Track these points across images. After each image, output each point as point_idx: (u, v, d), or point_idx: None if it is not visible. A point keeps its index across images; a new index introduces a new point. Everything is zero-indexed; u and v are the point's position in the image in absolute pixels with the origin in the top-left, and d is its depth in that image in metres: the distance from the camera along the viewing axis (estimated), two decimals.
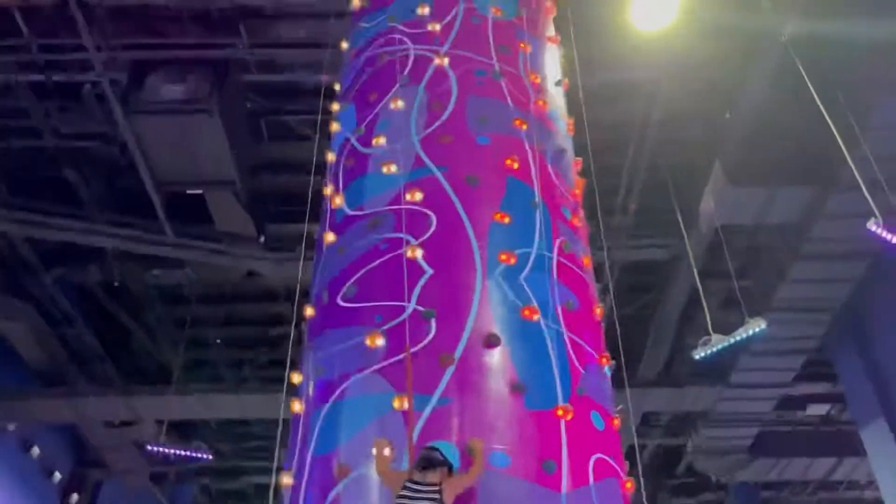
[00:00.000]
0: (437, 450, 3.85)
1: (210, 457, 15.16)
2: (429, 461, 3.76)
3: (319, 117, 7.30)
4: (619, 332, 6.54)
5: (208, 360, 17.52)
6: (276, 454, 5.10)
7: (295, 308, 5.80)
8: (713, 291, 14.98)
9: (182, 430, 18.54)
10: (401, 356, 4.39)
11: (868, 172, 9.56)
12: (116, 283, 15.80)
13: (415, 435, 4.10)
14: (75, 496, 18.62)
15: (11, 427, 15.88)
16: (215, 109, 11.83)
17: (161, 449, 13.96)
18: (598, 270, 12.49)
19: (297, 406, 4.89)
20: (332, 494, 4.12)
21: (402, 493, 3.69)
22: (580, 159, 6.47)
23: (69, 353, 16.21)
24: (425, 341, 4.48)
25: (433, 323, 4.56)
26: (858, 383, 13.65)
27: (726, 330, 12.82)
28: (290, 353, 5.66)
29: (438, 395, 4.28)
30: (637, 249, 13.68)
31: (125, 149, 12.71)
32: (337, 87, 6.98)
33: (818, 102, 9.03)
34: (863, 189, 8.60)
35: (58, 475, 17.94)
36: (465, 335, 4.51)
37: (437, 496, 3.64)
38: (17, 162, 13.52)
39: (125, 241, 13.72)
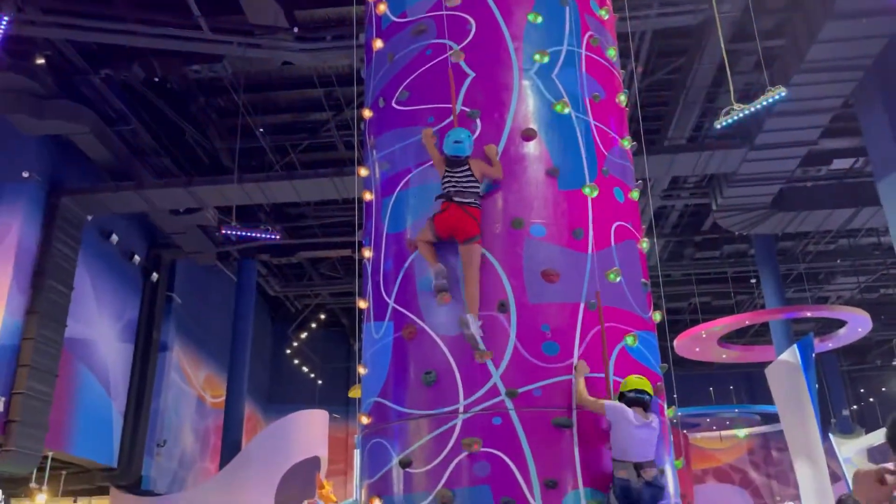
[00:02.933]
0: (460, 142, 5.08)
1: (277, 236, 16.68)
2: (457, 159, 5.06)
3: None
4: (638, 107, 7.13)
5: (254, 147, 18.55)
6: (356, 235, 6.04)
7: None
8: (747, 52, 15.04)
9: (240, 214, 20.19)
10: None
11: None
12: (157, 79, 16.43)
13: None
14: (155, 275, 20.90)
15: (89, 218, 17.50)
16: None
17: (234, 231, 15.44)
18: (627, 38, 12.72)
19: (369, 195, 5.82)
20: (406, 263, 5.20)
21: (444, 178, 5.04)
22: None
23: (130, 149, 17.34)
24: (474, 136, 5.26)
25: (478, 121, 5.30)
26: (880, 136, 14.08)
27: (758, 91, 13.12)
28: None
29: (487, 181, 5.15)
30: (668, 16, 13.58)
31: None
32: None
33: None
34: None
35: (137, 257, 20.03)
36: (506, 130, 5.27)
37: (468, 172, 4.98)
38: None
39: (163, 40, 14.07)
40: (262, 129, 18.11)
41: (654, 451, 4.49)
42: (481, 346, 4.71)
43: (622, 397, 4.55)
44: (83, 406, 17.65)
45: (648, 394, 4.56)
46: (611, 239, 5.23)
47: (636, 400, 4.51)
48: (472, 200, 4.95)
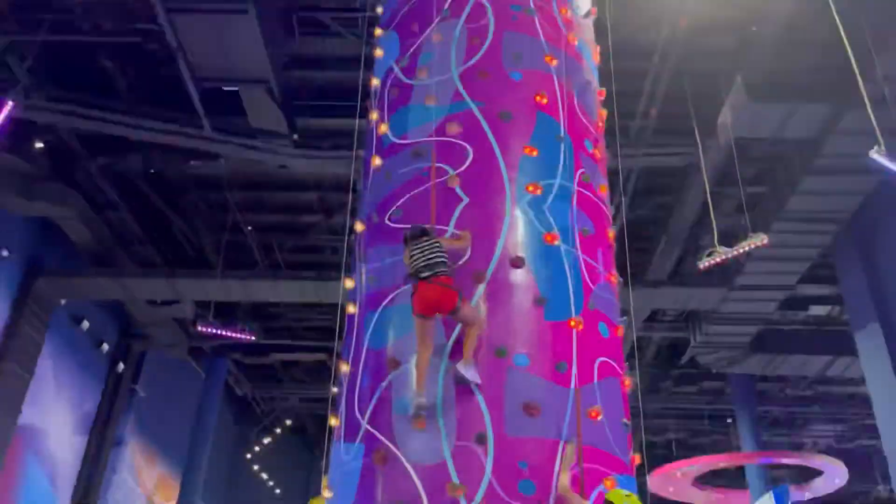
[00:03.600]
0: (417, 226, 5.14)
1: (253, 337, 16.41)
2: (415, 231, 5.11)
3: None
4: (626, 245, 7.23)
5: (241, 243, 18.57)
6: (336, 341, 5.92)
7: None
8: (730, 195, 15.55)
9: (218, 310, 19.94)
10: None
11: (882, 92, 9.92)
12: (152, 171, 16.63)
13: (452, 339, 4.99)
14: (121, 365, 20.31)
15: (63, 302, 17.17)
16: (252, 9, 12.18)
17: (211, 329, 15.20)
18: (616, 173, 13.15)
19: (352, 308, 5.74)
20: (384, 382, 5.06)
21: (411, 253, 5.02)
22: (604, 90, 6.97)
23: (114, 236, 17.28)
24: (462, 261, 5.27)
25: (469, 250, 5.32)
26: (857, 289, 14.39)
27: (739, 233, 13.49)
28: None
29: (472, 304, 5.11)
30: (655, 156, 14.12)
31: (163, 45, 13.15)
32: (379, 9, 7.40)
33: (838, 22, 9.23)
34: (868, 109, 8.97)
35: (105, 346, 19.51)
36: (496, 256, 5.29)
37: (430, 242, 5.01)
38: (56, 55, 14.00)
39: (165, 135, 14.36)
40: (250, 227, 18.20)
41: None
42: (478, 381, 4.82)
43: None
44: (25, 500, 16.60)
45: None
46: (594, 375, 5.14)
47: None
48: (441, 272, 4.91)
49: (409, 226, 5.31)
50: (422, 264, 4.93)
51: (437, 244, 5.02)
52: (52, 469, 17.66)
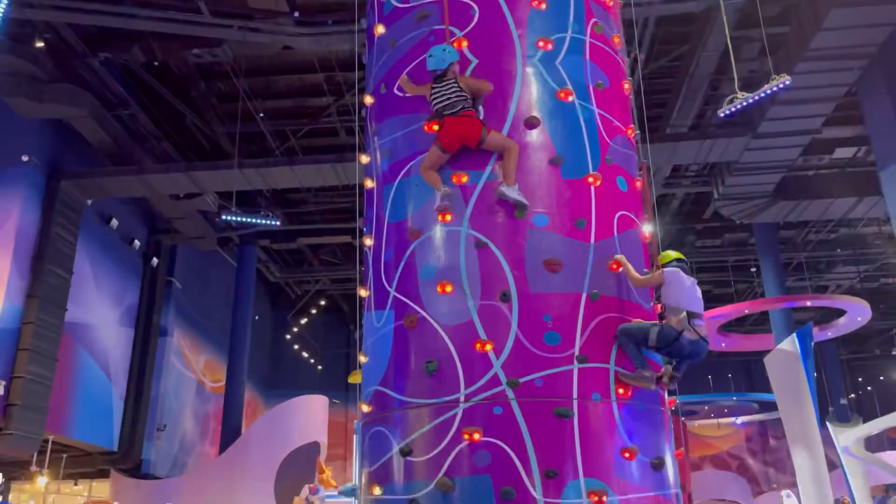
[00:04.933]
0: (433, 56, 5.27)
1: (278, 222, 16.64)
2: (436, 73, 5.23)
3: None
4: (642, 94, 7.08)
5: (255, 132, 18.48)
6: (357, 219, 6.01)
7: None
8: (751, 39, 14.94)
9: (240, 200, 20.16)
10: None
11: None
12: (157, 63, 16.33)
13: (471, 204, 5.04)
14: (155, 259, 20.90)
15: (89, 202, 17.45)
16: None
17: (234, 217, 15.41)
18: (630, 25, 12.62)
19: (370, 182, 5.78)
20: (407, 252, 5.17)
21: (433, 94, 5.20)
22: None
23: (129, 133, 17.26)
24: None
25: (481, 108, 5.26)
26: (883, 127, 14.02)
27: (763, 77, 13.03)
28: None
29: (489, 170, 5.12)
30: (672, 2, 13.46)
31: None
32: None
33: None
34: None
35: (137, 242, 20.02)
36: (509, 118, 5.22)
37: (453, 84, 5.15)
38: None
39: (163, 23, 13.98)
40: (262, 115, 18.03)
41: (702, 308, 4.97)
42: (524, 201, 5.00)
43: (666, 267, 5.09)
44: (83, 390, 17.69)
45: (685, 261, 5.20)
46: (613, 229, 5.20)
47: (680, 267, 5.10)
48: (462, 107, 5.11)
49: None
50: (444, 103, 5.13)
51: (456, 83, 5.16)
52: (105, 360, 18.66)
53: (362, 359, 5.40)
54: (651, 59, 16.00)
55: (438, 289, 4.88)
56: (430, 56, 5.27)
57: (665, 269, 5.01)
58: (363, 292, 5.59)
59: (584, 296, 4.87)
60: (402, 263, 5.16)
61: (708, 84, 16.43)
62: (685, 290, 4.90)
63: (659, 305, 5.29)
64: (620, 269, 5.07)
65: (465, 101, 5.12)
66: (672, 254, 5.19)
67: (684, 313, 4.76)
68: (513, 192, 4.96)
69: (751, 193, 18.37)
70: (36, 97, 14.67)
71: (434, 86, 5.21)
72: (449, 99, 5.11)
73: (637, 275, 5.01)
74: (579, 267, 4.94)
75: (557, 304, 4.81)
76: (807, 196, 18.66)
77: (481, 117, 5.21)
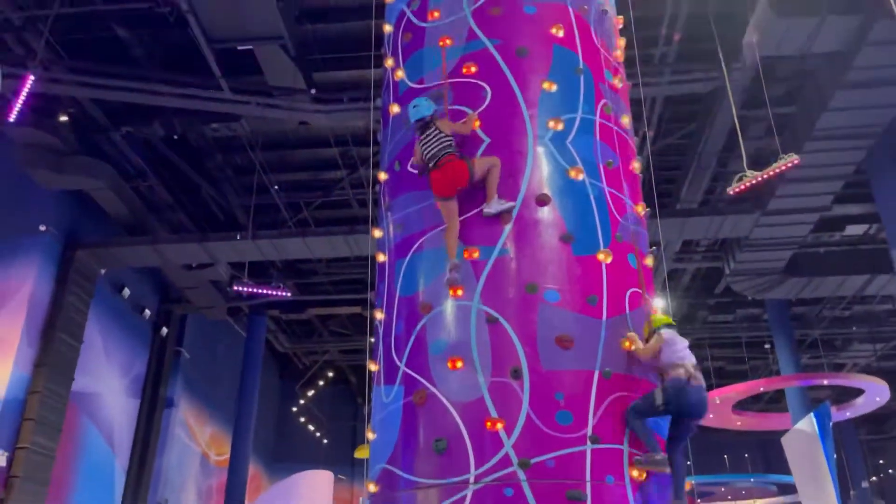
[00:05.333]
0: (417, 106, 5.52)
1: (289, 293, 16.70)
2: (419, 125, 5.49)
3: None
4: (651, 170, 7.15)
5: (269, 204, 18.76)
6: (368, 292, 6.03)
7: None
8: (758, 118, 15.20)
9: (252, 270, 20.31)
10: (468, 214, 5.23)
11: None
12: (175, 136, 16.77)
13: (482, 279, 5.05)
14: (165, 329, 20.91)
15: (103, 272, 17.62)
16: None
17: (245, 288, 15.49)
18: (639, 103, 12.90)
19: (382, 257, 5.82)
20: (418, 326, 5.15)
21: (420, 148, 5.43)
22: (622, 17, 6.81)
23: (146, 204, 17.58)
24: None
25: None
26: (893, 204, 14.08)
27: (770, 156, 13.20)
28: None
29: (500, 246, 5.15)
30: (680, 83, 13.80)
31: (174, 8, 13.09)
32: None
33: None
34: None
35: (148, 312, 20.07)
36: (521, 196, 5.29)
37: (437, 132, 5.38)
38: (69, 26, 14.03)
39: (185, 100, 14.41)
40: (276, 187, 18.35)
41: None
42: (509, 205, 5.21)
43: (653, 332, 5.15)
44: (86, 462, 17.41)
45: (674, 325, 5.25)
46: (625, 305, 5.18)
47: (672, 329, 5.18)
48: (446, 152, 5.31)
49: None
50: (430, 154, 5.34)
51: (439, 131, 5.40)
52: (109, 431, 18.43)
53: (370, 435, 5.31)
54: (660, 137, 16.28)
55: (449, 364, 4.84)
56: (415, 107, 5.49)
57: (662, 330, 5.06)
58: (373, 366, 5.55)
59: (596, 373, 4.80)
60: (413, 338, 5.14)
61: (716, 161, 16.63)
62: (681, 347, 4.98)
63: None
64: (633, 347, 5.03)
65: (447, 147, 5.34)
66: (662, 317, 5.25)
67: (688, 365, 4.82)
68: (494, 207, 5.17)
69: (762, 269, 18.31)
70: (56, 169, 15.03)
71: (421, 139, 5.43)
72: (433, 149, 5.34)
73: (643, 345, 5.04)
74: (591, 344, 4.90)
75: (570, 381, 4.74)
76: (818, 273, 18.58)
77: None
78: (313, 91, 14.35)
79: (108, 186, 15.80)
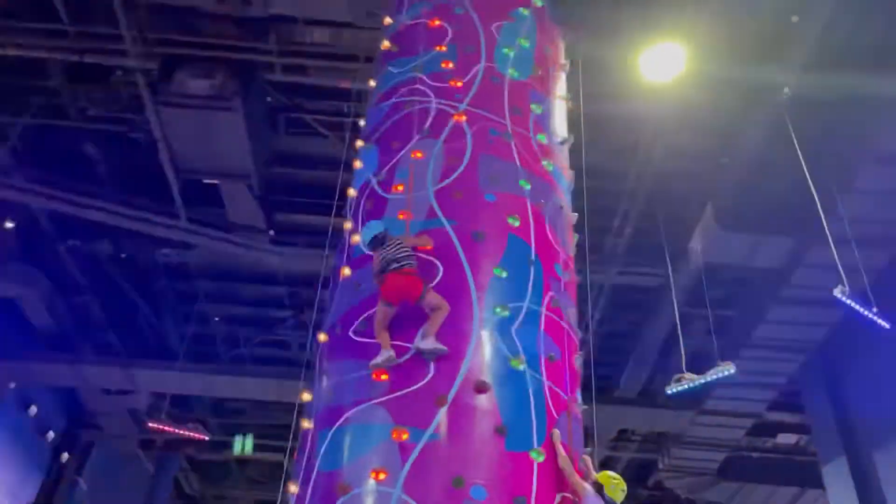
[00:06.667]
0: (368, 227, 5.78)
1: (207, 437, 15.78)
2: (375, 241, 5.68)
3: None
4: (592, 362, 7.15)
5: (205, 335, 18.16)
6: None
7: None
8: (700, 316, 15.65)
9: (174, 401, 19.27)
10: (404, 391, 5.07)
11: (845, 231, 10.23)
12: (123, 256, 16.41)
13: (408, 465, 4.77)
14: (66, 455, 19.31)
15: (12, 385, 16.48)
16: (239, 107, 12.41)
17: (161, 426, 14.63)
18: (585, 290, 13.21)
19: (307, 423, 5.51)
20: None
21: (381, 254, 5.57)
22: (576, 214, 7.08)
23: (75, 320, 16.83)
24: (424, 381, 5.13)
25: (432, 365, 5.20)
26: (824, 421, 14.33)
27: (709, 353, 13.49)
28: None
29: (432, 430, 4.93)
30: (627, 275, 14.27)
31: (148, 134, 13.30)
32: (360, 124, 7.58)
33: (802, 162, 9.63)
34: (832, 248, 9.20)
35: (51, 434, 18.61)
36: (459, 379, 5.15)
37: (396, 242, 5.59)
38: (38, 136, 14.08)
39: (140, 223, 14.28)
40: (217, 318, 17.87)
41: None
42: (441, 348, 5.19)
43: (599, 489, 5.06)
44: None
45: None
46: None
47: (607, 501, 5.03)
48: (405, 263, 5.48)
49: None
50: (391, 257, 5.51)
51: (401, 242, 5.63)
52: None
53: None
54: (605, 322, 16.56)
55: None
56: (368, 227, 5.78)
57: (588, 493, 4.98)
58: None
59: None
60: None
61: (658, 352, 16.88)
62: None
63: None
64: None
65: (409, 258, 5.51)
66: (619, 483, 5.13)
67: None
68: (427, 344, 5.18)
69: (695, 468, 18.15)
70: None
71: (380, 251, 5.61)
72: (395, 256, 5.49)
73: (571, 467, 5.06)
74: None
75: None
76: (750, 479, 18.47)
77: (430, 376, 5.13)
78: (272, 232, 14.39)
79: (40, 298, 15.17)
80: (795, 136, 9.96)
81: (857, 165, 10.62)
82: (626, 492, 5.12)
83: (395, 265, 5.45)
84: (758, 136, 11.59)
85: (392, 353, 5.25)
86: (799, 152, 9.66)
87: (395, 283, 5.40)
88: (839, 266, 9.08)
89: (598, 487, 5.06)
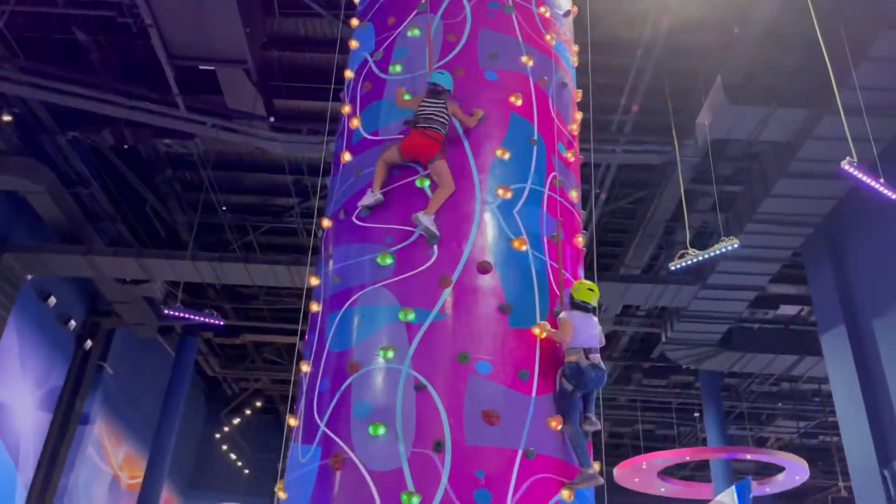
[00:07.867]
0: (442, 73, 5.76)
1: (221, 322, 16.24)
2: (434, 88, 5.66)
3: None
4: (594, 238, 7.20)
5: (214, 224, 18.33)
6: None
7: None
8: (706, 193, 15.62)
9: (189, 289, 19.73)
10: (408, 273, 5.16)
11: (857, 101, 9.98)
12: (126, 147, 16.30)
13: (415, 343, 4.93)
14: (89, 342, 20.02)
15: (29, 277, 16.83)
16: None
17: (176, 312, 15.02)
18: (593, 166, 13.10)
19: (315, 306, 5.65)
20: (344, 385, 4.99)
21: (421, 105, 5.61)
22: (580, 91, 6.90)
23: (84, 212, 16.96)
24: (428, 263, 5.21)
25: (435, 248, 5.26)
26: (825, 292, 14.56)
27: (714, 230, 13.55)
28: None
29: (437, 310, 5.05)
30: (634, 153, 14.10)
31: (138, 19, 12.85)
32: (355, 0, 7.25)
33: (817, 29, 9.26)
34: (842, 118, 9.01)
35: (73, 323, 19.22)
36: (463, 260, 5.22)
37: (443, 105, 5.57)
38: (27, 25, 13.63)
39: (138, 113, 14.05)
40: (224, 207, 17.96)
41: (598, 343, 5.22)
42: (435, 231, 5.23)
43: (572, 300, 5.34)
44: None
45: (592, 305, 5.32)
46: (555, 384, 5.12)
47: (580, 306, 5.26)
48: (435, 127, 5.48)
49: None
50: (423, 116, 5.51)
51: (445, 107, 5.58)
52: (14, 444, 17.43)
53: (281, 495, 5.07)
54: (611, 200, 16.57)
55: (371, 429, 4.67)
56: (441, 73, 5.72)
57: (564, 315, 5.19)
58: (292, 421, 5.34)
59: (520, 453, 4.70)
60: (337, 397, 4.96)
61: (663, 230, 16.99)
62: (576, 327, 5.10)
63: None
64: (559, 427, 4.93)
65: (442, 124, 5.51)
66: (585, 290, 5.31)
67: (581, 351, 5.04)
68: (426, 220, 5.19)
69: (698, 341, 18.65)
70: None
71: (425, 100, 5.60)
72: (431, 115, 5.49)
73: (555, 331, 5.14)
74: (518, 421, 4.79)
75: (492, 459, 4.62)
76: (751, 349, 19.02)
77: (433, 259, 5.19)
78: (272, 119, 14.16)
79: (46, 191, 15.20)
80: (810, 2, 9.49)
81: (872, 32, 10.18)
82: (595, 291, 5.32)
83: (425, 124, 5.46)
84: (771, 4, 11.07)
85: (380, 195, 5.43)
86: (815, 19, 9.24)
87: (415, 140, 5.44)
88: (849, 137, 8.90)
89: (570, 300, 5.32)
